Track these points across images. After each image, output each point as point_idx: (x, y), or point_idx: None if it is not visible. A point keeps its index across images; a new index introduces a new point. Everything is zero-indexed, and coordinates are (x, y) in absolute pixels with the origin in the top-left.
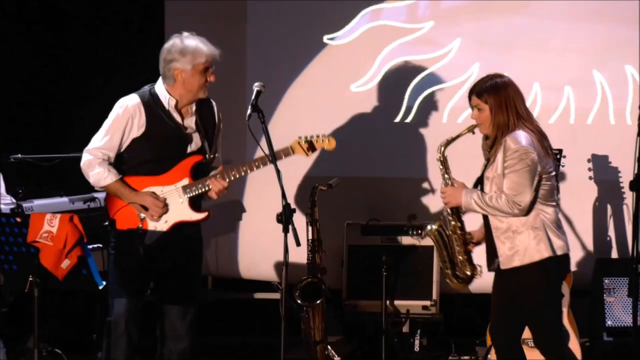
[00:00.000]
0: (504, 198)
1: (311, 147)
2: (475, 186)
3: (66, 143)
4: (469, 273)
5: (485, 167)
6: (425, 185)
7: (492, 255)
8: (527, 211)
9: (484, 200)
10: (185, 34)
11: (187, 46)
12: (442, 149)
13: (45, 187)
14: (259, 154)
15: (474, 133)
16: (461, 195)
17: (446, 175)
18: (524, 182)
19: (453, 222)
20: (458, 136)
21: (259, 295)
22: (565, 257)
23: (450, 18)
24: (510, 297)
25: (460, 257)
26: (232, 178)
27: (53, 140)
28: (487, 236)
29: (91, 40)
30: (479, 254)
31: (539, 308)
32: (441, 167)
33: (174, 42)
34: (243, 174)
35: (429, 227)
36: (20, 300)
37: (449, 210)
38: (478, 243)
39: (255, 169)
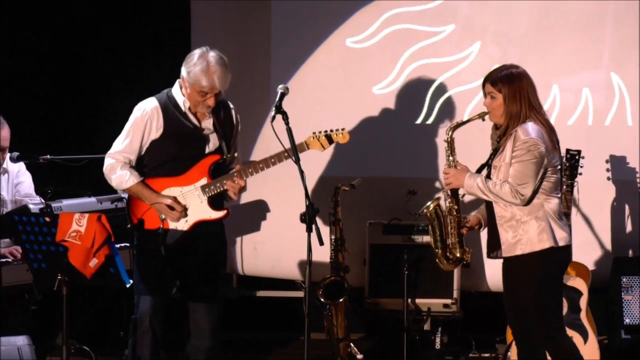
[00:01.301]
0: (507, 186)
1: (329, 140)
2: (478, 172)
3: (94, 144)
4: (458, 255)
5: (493, 155)
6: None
7: (493, 243)
8: (528, 202)
9: (487, 186)
10: (212, 53)
11: (198, 64)
12: (451, 131)
13: (74, 187)
14: None
15: (483, 120)
16: (464, 177)
17: (451, 157)
18: (528, 173)
19: (450, 204)
20: (468, 121)
21: (282, 294)
22: (567, 249)
23: (470, 21)
24: (514, 285)
25: (452, 239)
26: (249, 176)
27: (81, 141)
28: (490, 224)
29: (117, 40)
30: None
31: (539, 298)
32: (447, 148)
33: (193, 53)
34: (260, 171)
35: (426, 205)
36: (49, 298)
37: (448, 192)
38: (472, 228)
39: (271, 165)
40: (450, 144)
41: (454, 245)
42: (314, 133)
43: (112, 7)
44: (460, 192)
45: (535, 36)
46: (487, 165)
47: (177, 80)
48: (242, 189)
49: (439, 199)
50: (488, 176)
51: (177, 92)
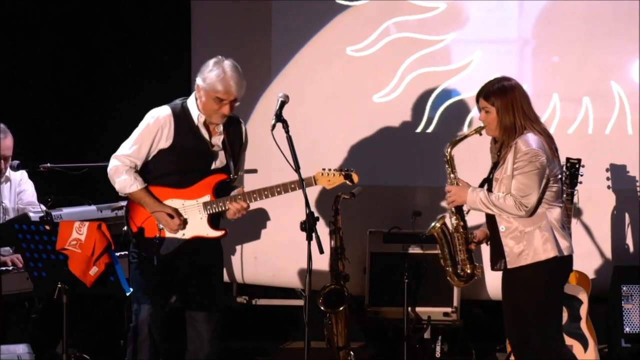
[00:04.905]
0: (510, 199)
1: (348, 178)
2: (481, 187)
3: (94, 152)
4: (469, 271)
5: (494, 168)
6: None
7: (497, 255)
8: (532, 212)
9: (490, 200)
10: (227, 61)
11: (214, 70)
12: (449, 149)
13: (74, 195)
14: (283, 163)
15: (480, 134)
16: (466, 193)
17: (452, 175)
18: (532, 184)
19: (456, 221)
20: (465, 137)
21: (282, 302)
22: (570, 258)
23: (471, 30)
24: (516, 296)
25: (462, 256)
26: (253, 201)
27: (81, 149)
28: (493, 236)
29: (116, 47)
30: (485, 255)
31: (541, 307)
32: (447, 166)
33: (209, 62)
34: (264, 197)
35: (432, 225)
36: (49, 306)
37: (453, 209)
38: (479, 242)
39: (276, 194)
40: (450, 161)
41: (463, 262)
42: (324, 170)
43: (111, 14)
44: (465, 208)
45: (536, 45)
46: (488, 179)
47: (193, 92)
48: (244, 210)
49: (444, 217)
50: (490, 189)
51: (192, 104)
